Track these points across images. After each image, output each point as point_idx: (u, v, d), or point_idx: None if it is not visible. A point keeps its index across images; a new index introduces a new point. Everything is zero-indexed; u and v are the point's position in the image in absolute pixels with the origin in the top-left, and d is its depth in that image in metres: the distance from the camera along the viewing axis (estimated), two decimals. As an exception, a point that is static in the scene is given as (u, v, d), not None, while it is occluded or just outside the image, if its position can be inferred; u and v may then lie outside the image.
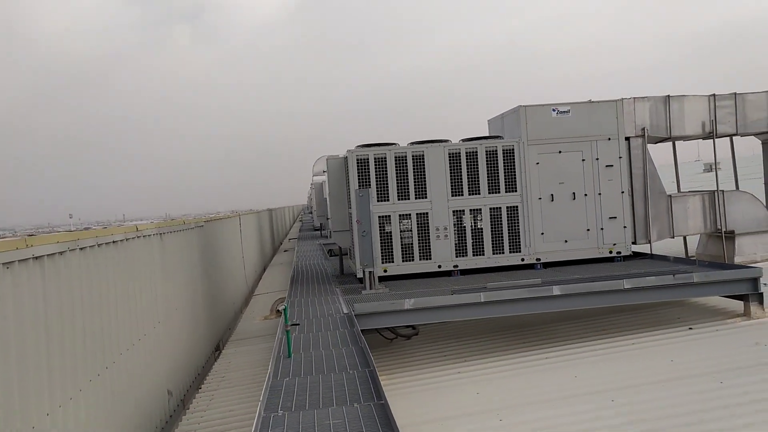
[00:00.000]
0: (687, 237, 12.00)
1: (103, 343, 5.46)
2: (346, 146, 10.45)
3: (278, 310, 6.36)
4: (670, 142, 12.14)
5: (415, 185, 10.13)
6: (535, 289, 8.26)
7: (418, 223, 10.16)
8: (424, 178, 10.14)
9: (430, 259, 10.21)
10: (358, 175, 10.00)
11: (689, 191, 11.84)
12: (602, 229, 10.52)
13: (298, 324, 6.70)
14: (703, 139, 11.70)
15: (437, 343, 8.78)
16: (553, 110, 10.40)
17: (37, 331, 4.17)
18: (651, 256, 10.79)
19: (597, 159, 10.48)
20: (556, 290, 8.15)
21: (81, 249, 5.07)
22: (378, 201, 9.99)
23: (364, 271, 9.34)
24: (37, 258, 4.21)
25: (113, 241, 5.88)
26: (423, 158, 10.14)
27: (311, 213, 36.73)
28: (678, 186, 12.51)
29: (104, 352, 5.44)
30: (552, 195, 10.40)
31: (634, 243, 10.77)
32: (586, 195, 10.48)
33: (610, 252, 10.56)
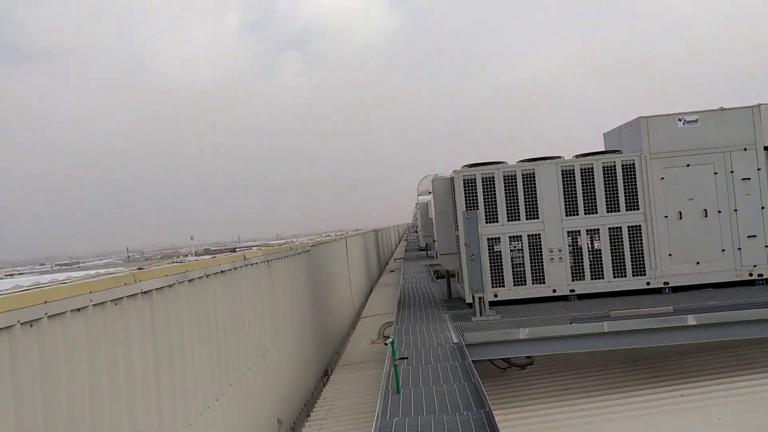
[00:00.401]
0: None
1: (213, 375, 5.43)
2: (452, 164, 10.12)
3: (385, 343, 6.10)
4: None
5: (525, 205, 9.60)
6: (666, 318, 7.45)
7: (530, 245, 9.60)
8: (536, 197, 9.58)
9: (544, 283, 9.59)
10: (465, 196, 9.63)
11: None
12: (740, 249, 9.42)
13: (407, 358, 6.40)
14: None
15: (555, 374, 8.16)
16: (679, 120, 9.50)
17: (147, 366, 4.15)
18: (800, 279, 9.52)
19: (731, 172, 9.44)
20: (692, 320, 7.30)
21: (190, 281, 5.07)
22: (486, 222, 9.55)
23: (473, 297, 8.91)
24: (145, 293, 4.20)
25: (221, 271, 5.88)
26: (534, 177, 9.59)
27: (416, 232, 36.63)
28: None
29: (214, 383, 5.41)
30: (680, 212, 9.46)
31: (778, 264, 9.55)
32: (719, 212, 9.45)
33: (750, 275, 9.42)
